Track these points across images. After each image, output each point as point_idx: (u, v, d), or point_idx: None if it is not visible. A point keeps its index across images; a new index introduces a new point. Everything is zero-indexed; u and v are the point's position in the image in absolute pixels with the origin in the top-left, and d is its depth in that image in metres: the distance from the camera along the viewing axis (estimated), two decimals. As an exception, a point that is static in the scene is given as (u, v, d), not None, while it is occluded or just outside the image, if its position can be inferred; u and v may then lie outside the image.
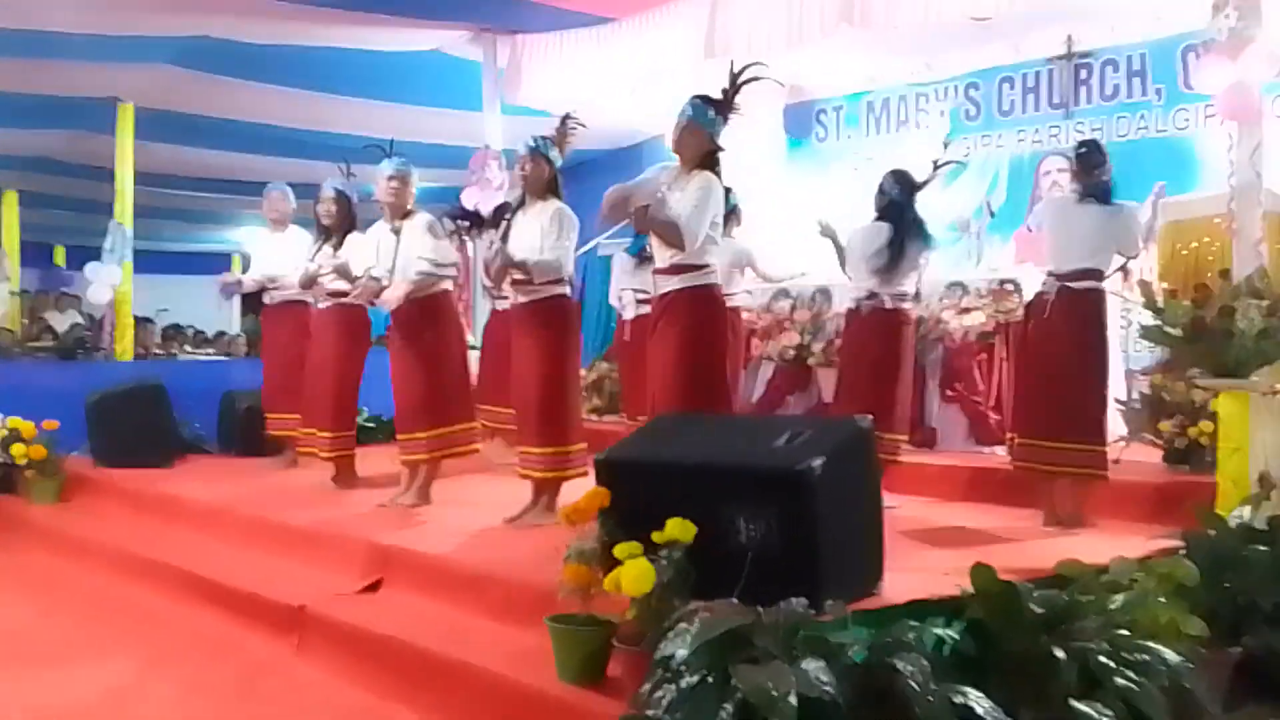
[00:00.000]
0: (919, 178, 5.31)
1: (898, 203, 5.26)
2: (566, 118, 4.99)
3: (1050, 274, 4.82)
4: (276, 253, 6.70)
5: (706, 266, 4.22)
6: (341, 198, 6.03)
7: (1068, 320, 4.70)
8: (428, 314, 5.24)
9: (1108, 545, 3.81)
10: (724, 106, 4.32)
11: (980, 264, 7.31)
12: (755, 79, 4.40)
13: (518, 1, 7.68)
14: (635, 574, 2.81)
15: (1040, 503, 4.78)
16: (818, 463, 2.97)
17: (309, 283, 6.02)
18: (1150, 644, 2.72)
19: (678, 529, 2.92)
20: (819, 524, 2.97)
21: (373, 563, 4.29)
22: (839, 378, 5.65)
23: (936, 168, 5.35)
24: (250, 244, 6.29)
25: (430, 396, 5.21)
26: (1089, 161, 4.83)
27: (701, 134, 4.24)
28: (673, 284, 4.23)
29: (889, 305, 5.27)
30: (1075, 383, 4.67)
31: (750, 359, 7.24)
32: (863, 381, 5.27)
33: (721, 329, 4.39)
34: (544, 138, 4.92)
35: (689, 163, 4.25)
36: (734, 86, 4.34)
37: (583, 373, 6.55)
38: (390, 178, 5.35)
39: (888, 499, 4.28)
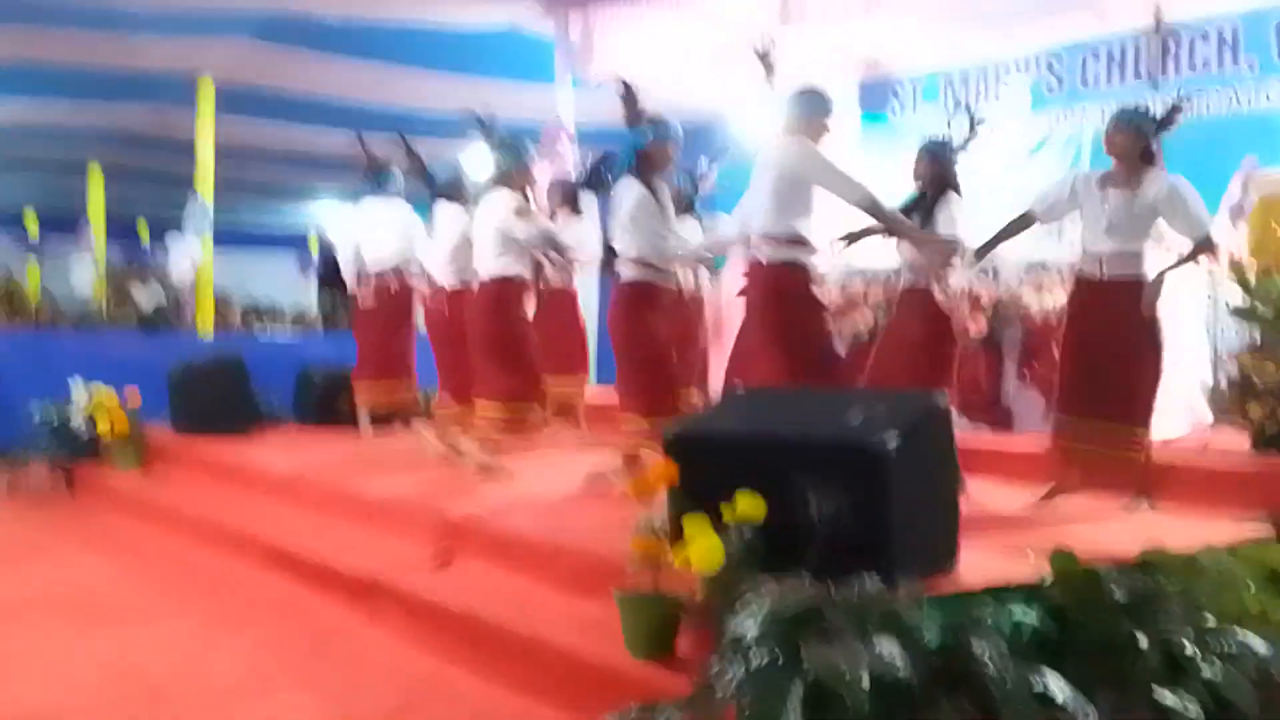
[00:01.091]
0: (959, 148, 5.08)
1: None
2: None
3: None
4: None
5: None
6: None
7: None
8: None
9: (1194, 531, 3.68)
10: None
11: (1062, 241, 7.11)
12: None
13: (589, -28, 7.64)
14: (704, 549, 2.78)
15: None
16: (892, 438, 2.90)
17: None
18: (1238, 631, 2.62)
19: (748, 504, 2.87)
20: (893, 501, 2.90)
21: (444, 534, 4.32)
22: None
23: (972, 129, 5.10)
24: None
25: None
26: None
27: None
28: None
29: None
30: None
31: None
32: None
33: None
34: None
35: None
36: None
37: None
38: None
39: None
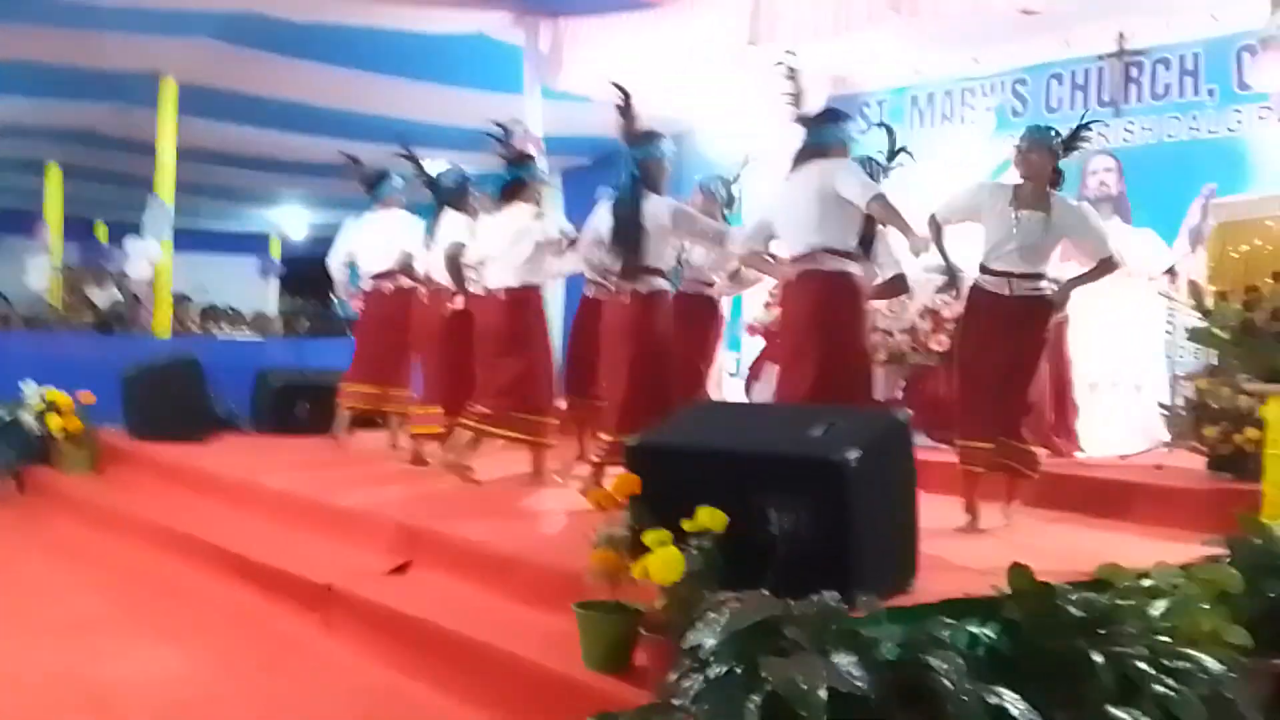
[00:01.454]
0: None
1: None
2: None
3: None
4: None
5: None
6: None
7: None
8: None
9: (1149, 550, 3.72)
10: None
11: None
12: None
13: (560, -16, 7.64)
14: (664, 562, 2.77)
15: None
16: (854, 454, 2.91)
17: None
18: (1191, 651, 2.64)
19: (708, 517, 2.87)
20: (853, 517, 2.91)
21: (402, 543, 4.28)
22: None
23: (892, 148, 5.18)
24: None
25: None
26: None
27: None
28: None
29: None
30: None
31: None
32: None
33: None
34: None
35: None
36: None
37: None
38: None
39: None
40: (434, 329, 6.01)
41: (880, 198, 4.36)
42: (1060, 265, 5.61)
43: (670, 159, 5.03)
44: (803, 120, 4.68)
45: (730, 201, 6.04)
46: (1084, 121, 4.77)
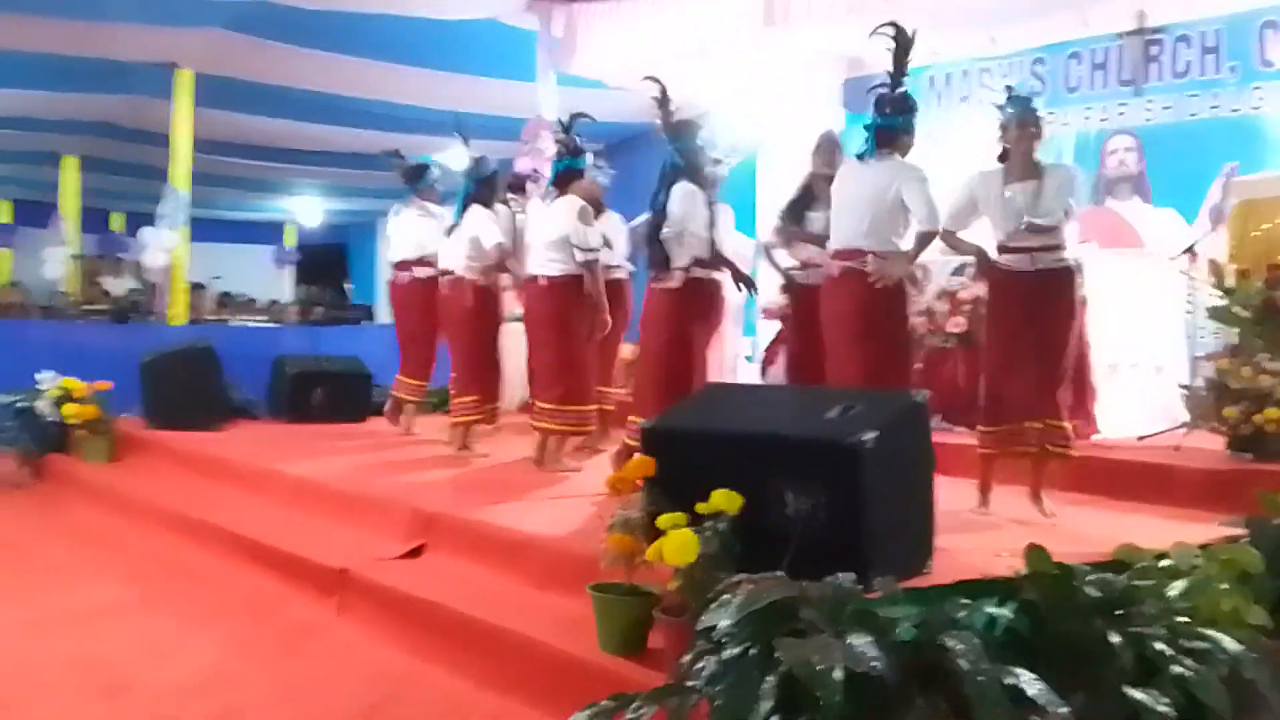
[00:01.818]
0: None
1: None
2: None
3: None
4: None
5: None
6: None
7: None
8: None
9: (1168, 531, 3.68)
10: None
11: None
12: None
13: (574, -31, 7.61)
14: (679, 544, 2.75)
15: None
16: (869, 436, 2.88)
17: None
18: (1210, 632, 2.61)
19: (723, 500, 2.85)
20: (869, 499, 2.89)
21: (416, 527, 4.28)
22: None
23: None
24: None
25: None
26: None
27: None
28: None
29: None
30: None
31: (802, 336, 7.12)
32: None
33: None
34: None
35: None
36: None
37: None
38: None
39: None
40: (459, 317, 6.02)
41: (937, 224, 4.40)
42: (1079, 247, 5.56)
43: (709, 147, 4.95)
44: (880, 101, 4.56)
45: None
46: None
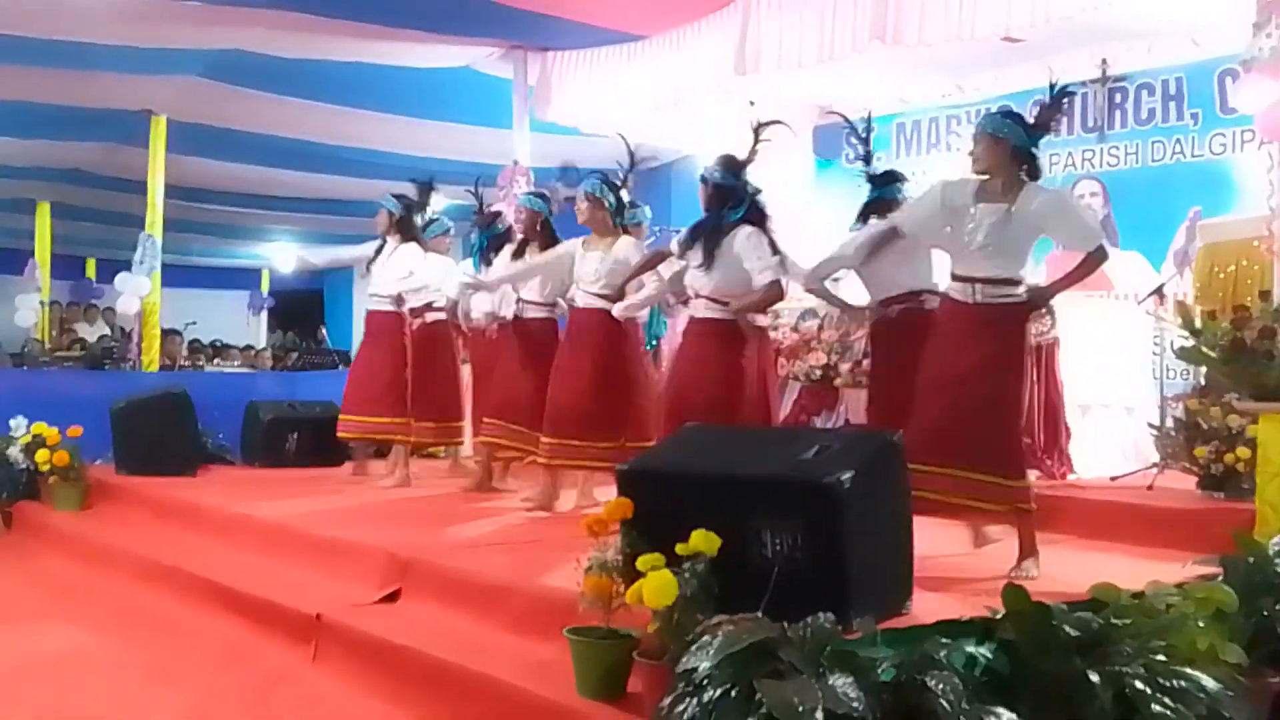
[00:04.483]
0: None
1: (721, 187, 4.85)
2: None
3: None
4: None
5: None
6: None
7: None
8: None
9: (1143, 570, 3.71)
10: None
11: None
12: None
13: (549, 19, 7.68)
14: (658, 586, 2.75)
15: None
16: (846, 475, 2.90)
17: None
18: (1188, 670, 2.62)
19: (702, 541, 2.85)
20: (847, 539, 2.90)
21: (391, 572, 4.25)
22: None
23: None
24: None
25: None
26: None
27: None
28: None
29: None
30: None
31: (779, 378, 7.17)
32: None
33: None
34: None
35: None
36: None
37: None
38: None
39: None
40: (490, 356, 6.22)
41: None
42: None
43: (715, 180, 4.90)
44: (872, 177, 4.97)
45: (620, 208, 5.61)
46: (1059, 92, 4.15)
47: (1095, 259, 3.98)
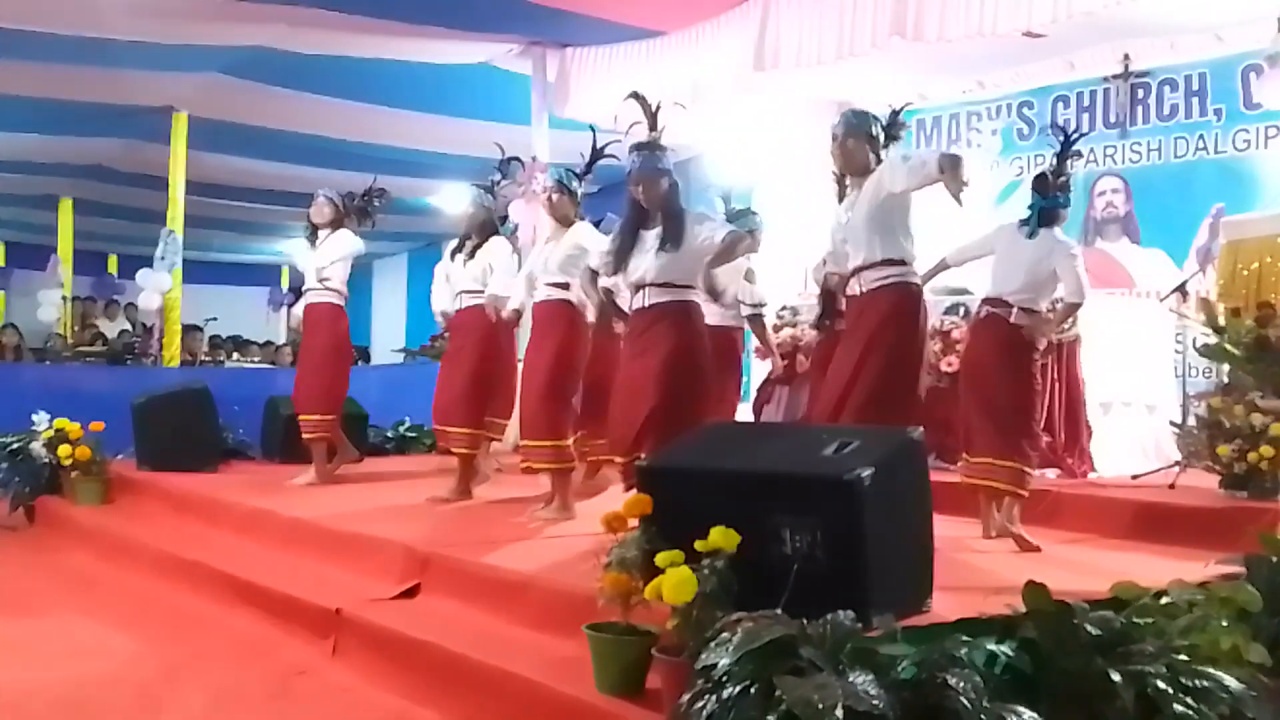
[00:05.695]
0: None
1: None
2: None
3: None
4: None
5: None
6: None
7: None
8: None
9: (1164, 569, 3.68)
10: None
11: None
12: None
13: (568, 15, 7.68)
14: (676, 582, 2.75)
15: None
16: (866, 472, 2.89)
17: None
18: (1211, 670, 2.61)
19: (721, 537, 2.84)
20: (867, 536, 2.89)
21: (411, 568, 4.26)
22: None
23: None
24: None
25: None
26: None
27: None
28: None
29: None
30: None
31: (797, 376, 7.15)
32: None
33: None
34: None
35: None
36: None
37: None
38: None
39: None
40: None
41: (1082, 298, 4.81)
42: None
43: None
44: (1044, 183, 4.93)
45: (577, 200, 5.54)
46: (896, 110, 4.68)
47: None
